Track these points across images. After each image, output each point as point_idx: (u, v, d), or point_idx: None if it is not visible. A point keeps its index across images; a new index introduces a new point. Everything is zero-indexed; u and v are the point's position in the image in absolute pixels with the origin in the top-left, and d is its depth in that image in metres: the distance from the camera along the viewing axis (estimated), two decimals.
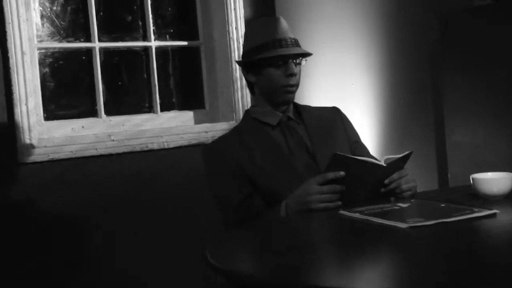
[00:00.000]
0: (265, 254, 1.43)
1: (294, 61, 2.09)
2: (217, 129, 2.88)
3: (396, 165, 1.85)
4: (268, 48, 2.06)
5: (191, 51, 3.03)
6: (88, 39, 2.76)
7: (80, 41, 2.75)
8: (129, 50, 2.87)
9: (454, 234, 1.43)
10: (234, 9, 2.93)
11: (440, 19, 3.32)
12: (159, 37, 2.94)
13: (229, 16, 2.93)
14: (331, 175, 1.80)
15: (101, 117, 2.76)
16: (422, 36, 3.50)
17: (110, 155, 2.63)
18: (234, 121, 2.93)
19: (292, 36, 2.12)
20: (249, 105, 2.96)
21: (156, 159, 2.72)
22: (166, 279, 2.72)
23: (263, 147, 2.09)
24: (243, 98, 2.96)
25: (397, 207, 1.70)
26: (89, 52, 2.76)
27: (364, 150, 2.26)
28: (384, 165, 1.79)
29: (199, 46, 3.03)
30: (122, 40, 2.85)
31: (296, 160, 2.08)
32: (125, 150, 2.66)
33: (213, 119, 3.01)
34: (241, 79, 2.94)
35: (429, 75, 3.57)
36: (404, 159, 1.86)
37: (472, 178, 1.77)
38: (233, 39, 2.93)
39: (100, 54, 2.77)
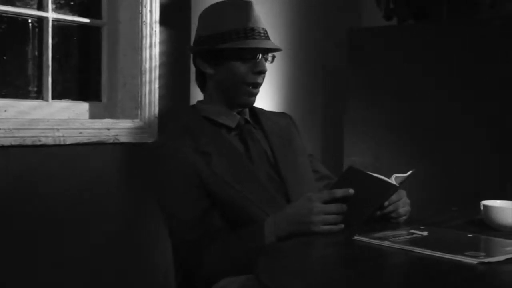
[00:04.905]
0: None
1: (264, 56, 1.78)
2: (121, 126, 2.43)
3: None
4: (238, 37, 1.72)
5: (94, 31, 2.53)
6: None
7: None
8: (19, 18, 2.30)
9: None
10: None
11: (350, 35, 3.19)
12: (57, 8, 2.41)
13: None
14: (340, 192, 1.50)
15: None
16: (331, 49, 3.36)
17: None
18: (138, 120, 2.49)
19: (263, 26, 1.80)
20: (157, 102, 2.55)
21: (50, 156, 2.19)
22: None
23: (222, 153, 1.73)
24: (151, 93, 2.52)
25: (418, 235, 1.46)
26: None
27: (320, 166, 2.01)
28: (398, 185, 1.55)
29: (102, 26, 2.55)
30: (12, 4, 2.27)
31: (259, 171, 1.76)
32: (13, 143, 2.10)
33: (110, 114, 2.53)
34: (150, 72, 2.52)
35: (334, 89, 3.44)
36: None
37: (484, 205, 1.59)
38: (146, 23, 2.50)
39: None
